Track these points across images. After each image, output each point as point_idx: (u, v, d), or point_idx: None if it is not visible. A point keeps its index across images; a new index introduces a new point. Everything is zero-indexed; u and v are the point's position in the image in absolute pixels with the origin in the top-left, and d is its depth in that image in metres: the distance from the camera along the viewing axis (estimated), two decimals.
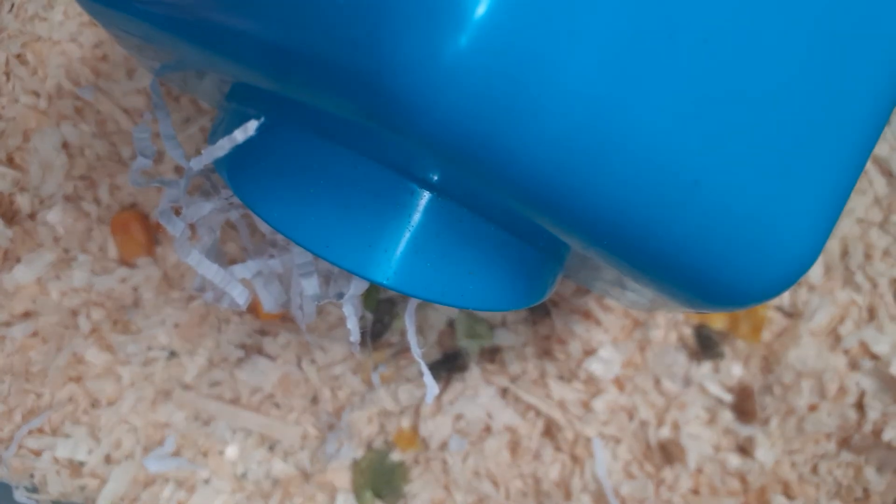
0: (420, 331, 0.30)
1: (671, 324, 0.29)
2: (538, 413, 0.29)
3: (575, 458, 0.29)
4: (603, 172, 0.13)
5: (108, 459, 0.30)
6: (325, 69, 0.13)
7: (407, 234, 0.16)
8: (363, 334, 0.29)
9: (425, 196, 0.16)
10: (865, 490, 0.28)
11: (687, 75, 0.13)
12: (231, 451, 0.30)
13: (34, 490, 0.29)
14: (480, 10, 0.11)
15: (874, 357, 0.28)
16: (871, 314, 0.29)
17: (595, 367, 0.29)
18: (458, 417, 0.29)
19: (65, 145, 0.30)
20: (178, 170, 0.30)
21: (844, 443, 0.28)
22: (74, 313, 0.30)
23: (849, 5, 0.15)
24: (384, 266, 0.16)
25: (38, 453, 0.29)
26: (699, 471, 0.29)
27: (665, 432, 0.29)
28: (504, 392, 0.29)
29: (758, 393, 0.29)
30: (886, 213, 0.29)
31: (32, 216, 0.30)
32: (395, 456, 0.29)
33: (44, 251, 0.30)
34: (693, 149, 0.14)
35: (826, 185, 0.16)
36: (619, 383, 0.29)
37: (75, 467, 0.30)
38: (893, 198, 0.29)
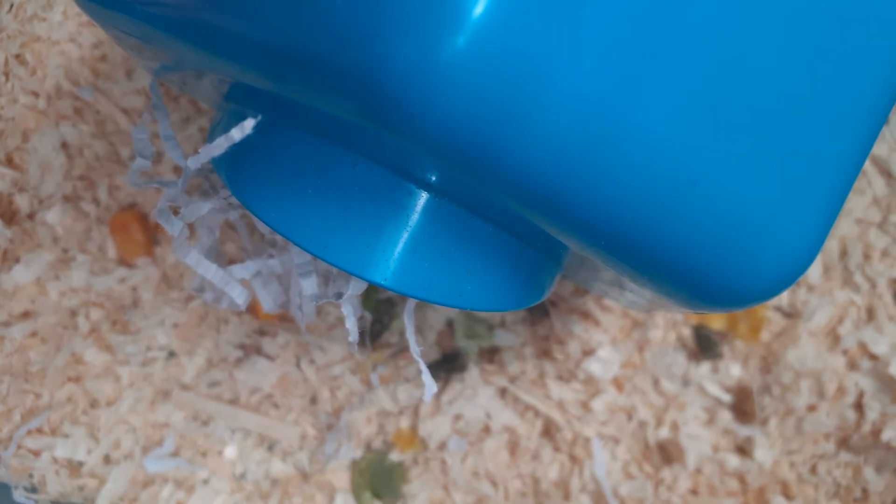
0: (419, 331, 0.30)
1: (670, 324, 0.29)
2: (537, 413, 0.29)
3: (574, 459, 0.29)
4: (601, 173, 0.13)
5: (107, 459, 0.30)
6: (322, 69, 0.13)
7: (405, 235, 0.16)
8: (362, 334, 0.29)
9: (423, 196, 0.16)
10: (864, 490, 0.28)
11: (685, 76, 0.13)
12: (230, 452, 0.30)
13: (33, 490, 0.29)
14: (478, 10, 0.11)
15: (873, 357, 0.28)
16: (870, 314, 0.29)
17: (594, 367, 0.29)
18: (457, 417, 0.29)
19: (64, 145, 0.30)
20: (177, 170, 0.30)
21: (843, 443, 0.28)
22: (73, 313, 0.30)
23: (847, 6, 0.15)
24: (382, 266, 0.16)
25: (37, 453, 0.29)
26: (698, 471, 0.29)
27: (664, 432, 0.29)
28: (503, 392, 0.29)
29: (757, 393, 0.29)
30: (885, 214, 0.29)
31: (31, 216, 0.30)
32: (394, 456, 0.29)
33: (43, 251, 0.30)
34: (691, 149, 0.14)
35: (824, 185, 0.16)
36: (618, 383, 0.29)
37: (74, 467, 0.30)
38: (892, 198, 0.29)
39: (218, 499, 0.29)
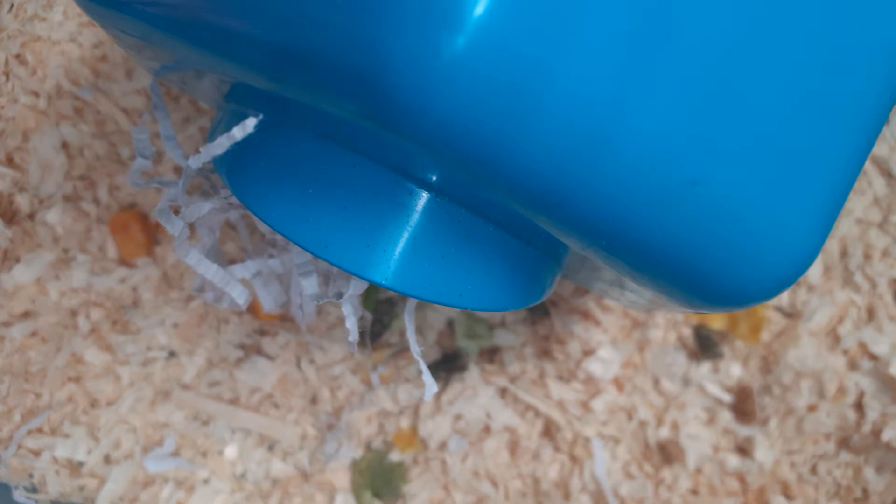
0: (419, 331, 0.30)
1: (670, 324, 0.29)
2: (537, 413, 0.29)
3: (574, 459, 0.29)
4: (601, 172, 0.13)
5: (107, 459, 0.30)
6: (323, 70, 0.13)
7: (405, 235, 0.16)
8: (362, 334, 0.29)
9: (424, 196, 0.16)
10: (864, 490, 0.28)
11: (685, 75, 0.13)
12: (230, 451, 0.30)
13: (33, 490, 0.29)
14: (478, 10, 0.11)
15: (873, 357, 0.28)
16: (871, 314, 0.29)
17: (594, 367, 0.29)
18: (458, 417, 0.29)
19: (64, 145, 0.30)
20: (178, 170, 0.30)
21: (843, 443, 0.28)
22: (74, 313, 0.30)
23: (847, 6, 0.15)
24: (383, 266, 0.16)
25: (37, 453, 0.29)
26: (698, 471, 0.29)
27: (664, 432, 0.29)
28: (503, 392, 0.29)
29: (757, 393, 0.29)
30: (885, 214, 0.29)
31: (32, 216, 0.30)
32: (395, 456, 0.29)
33: (43, 251, 0.30)
34: (691, 149, 0.14)
35: (825, 185, 0.16)
36: (619, 383, 0.29)
37: (74, 467, 0.30)
38: (892, 198, 0.29)
39: (218, 499, 0.29)
